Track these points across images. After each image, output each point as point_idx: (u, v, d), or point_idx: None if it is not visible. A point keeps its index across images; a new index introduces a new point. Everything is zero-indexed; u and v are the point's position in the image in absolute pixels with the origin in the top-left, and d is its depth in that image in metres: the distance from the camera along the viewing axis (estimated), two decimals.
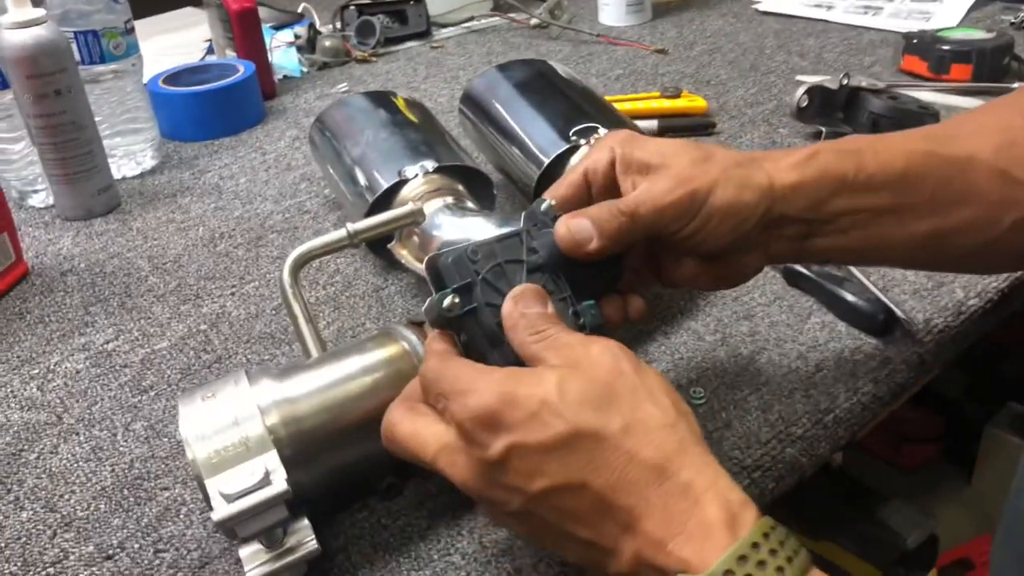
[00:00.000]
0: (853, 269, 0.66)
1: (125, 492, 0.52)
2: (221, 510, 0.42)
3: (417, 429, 0.42)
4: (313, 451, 0.46)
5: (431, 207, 0.66)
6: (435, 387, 0.41)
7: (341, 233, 0.54)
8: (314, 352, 0.51)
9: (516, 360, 0.44)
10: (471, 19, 1.38)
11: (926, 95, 0.93)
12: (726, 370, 0.59)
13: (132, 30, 0.90)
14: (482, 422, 0.38)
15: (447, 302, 0.44)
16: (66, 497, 0.52)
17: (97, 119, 0.86)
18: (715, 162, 0.47)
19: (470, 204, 0.69)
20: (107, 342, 0.65)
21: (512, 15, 1.35)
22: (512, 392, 0.38)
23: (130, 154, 0.93)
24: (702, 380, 0.58)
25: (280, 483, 0.43)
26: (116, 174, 0.91)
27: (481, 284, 0.45)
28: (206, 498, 0.43)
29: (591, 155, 0.50)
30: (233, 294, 0.70)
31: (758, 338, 0.62)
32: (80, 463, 0.54)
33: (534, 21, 1.30)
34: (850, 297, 0.63)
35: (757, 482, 0.52)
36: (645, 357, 0.61)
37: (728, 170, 0.47)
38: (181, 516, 0.50)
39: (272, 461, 0.44)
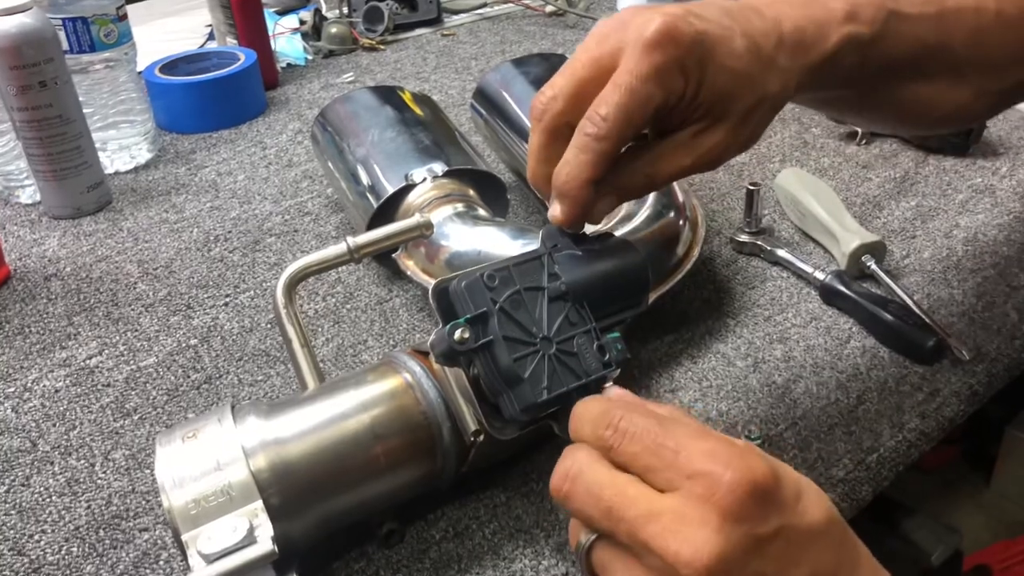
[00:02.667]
0: (896, 288, 0.60)
1: (101, 533, 0.47)
2: (200, 572, 0.37)
3: (618, 482, 0.33)
4: (304, 499, 0.42)
5: (440, 215, 0.61)
6: (658, 446, 0.33)
7: (341, 248, 0.49)
8: (310, 382, 0.47)
9: (533, 403, 0.39)
10: (484, 5, 1.32)
11: None
12: (759, 401, 0.54)
13: (125, 16, 0.85)
14: (755, 495, 0.31)
15: (459, 334, 0.39)
16: (36, 538, 0.47)
17: (88, 111, 0.81)
18: (775, 73, 0.43)
19: (481, 211, 0.64)
20: (90, 357, 0.61)
21: (527, 1, 1.29)
22: (777, 467, 0.33)
23: (124, 147, 0.88)
24: (733, 411, 0.54)
25: (266, 542, 0.38)
26: (109, 168, 0.87)
27: (498, 314, 0.40)
28: (183, 555, 0.38)
29: (643, 88, 0.40)
30: (226, 305, 0.66)
31: (793, 364, 0.57)
32: (54, 497, 0.50)
33: (550, 8, 1.24)
34: (894, 320, 0.58)
35: None
36: (671, 384, 0.56)
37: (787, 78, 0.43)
38: (160, 563, 0.46)
39: (258, 513, 0.40)
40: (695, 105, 0.42)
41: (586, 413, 0.37)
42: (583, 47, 0.43)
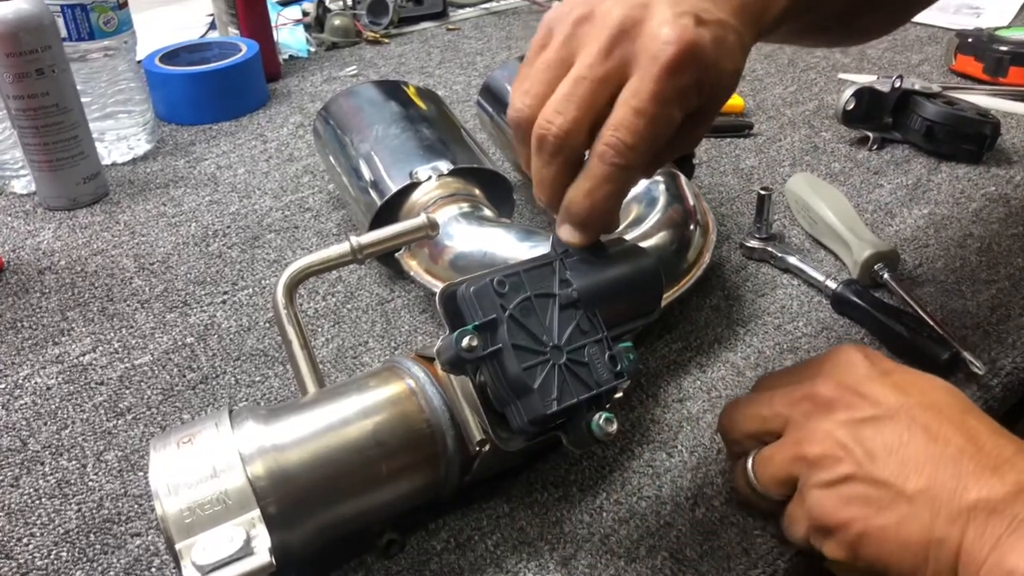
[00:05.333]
0: (909, 299, 0.59)
1: (91, 537, 0.46)
2: None
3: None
4: (303, 508, 0.40)
5: (445, 215, 0.60)
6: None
7: (344, 247, 0.47)
8: (310, 387, 0.45)
9: (542, 414, 0.38)
10: (490, 0, 1.30)
11: (982, 100, 0.86)
12: None
13: (125, 4, 0.83)
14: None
15: (467, 342, 0.38)
16: (24, 541, 0.46)
17: (85, 100, 0.80)
18: (745, 53, 0.42)
19: (487, 211, 0.62)
20: (83, 354, 0.59)
21: None
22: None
23: (121, 138, 0.86)
24: None
25: (263, 553, 0.37)
26: (106, 159, 0.85)
27: (508, 322, 0.38)
28: (177, 565, 0.37)
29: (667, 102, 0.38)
30: (224, 302, 0.64)
31: None
32: (43, 499, 0.48)
33: (556, 3, 1.23)
34: (907, 331, 0.57)
35: (804, 551, 0.46)
36: (679, 393, 0.54)
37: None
38: (152, 570, 0.44)
39: (255, 522, 0.38)
40: (696, 109, 0.40)
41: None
42: (555, 52, 0.40)
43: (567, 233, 0.41)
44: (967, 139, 0.77)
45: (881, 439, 0.39)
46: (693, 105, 0.39)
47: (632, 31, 0.38)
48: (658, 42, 0.37)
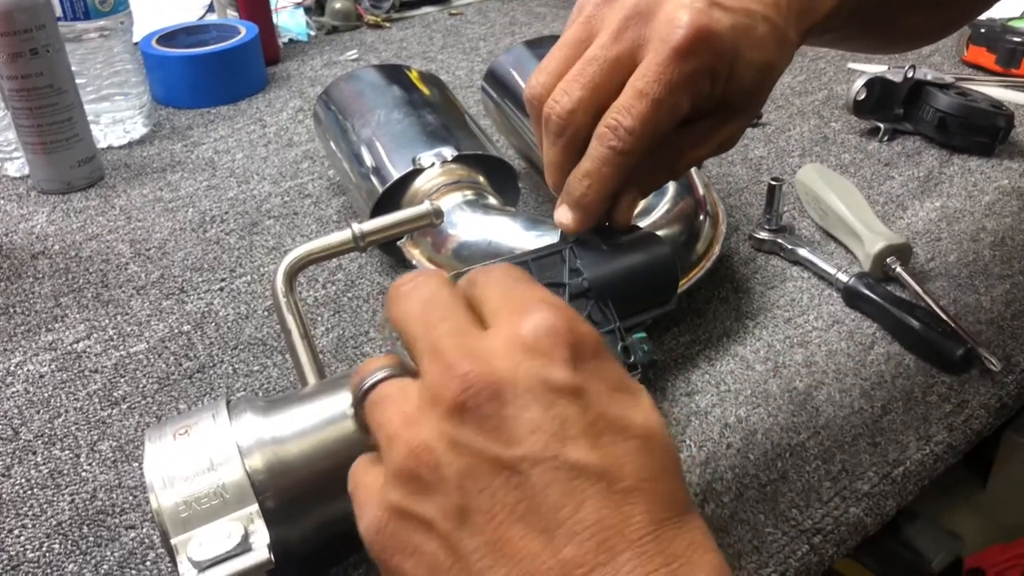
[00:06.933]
0: (922, 293, 0.58)
1: (84, 529, 0.45)
2: None
3: (454, 303, 0.31)
4: (302, 503, 0.39)
5: (448, 202, 0.59)
6: (505, 294, 0.31)
7: (346, 234, 0.46)
8: (310, 378, 0.44)
9: None
10: None
11: (995, 91, 0.85)
12: (779, 408, 0.52)
13: None
14: (566, 344, 0.28)
15: None
16: (15, 533, 0.44)
17: (80, 82, 0.78)
18: (787, 49, 0.41)
19: (492, 199, 0.61)
20: (77, 341, 0.58)
21: None
22: (614, 362, 0.29)
23: (117, 121, 0.85)
24: (752, 417, 0.51)
25: (262, 550, 0.36)
26: (101, 142, 0.83)
27: None
28: (172, 560, 0.36)
29: (668, 94, 0.37)
30: (222, 289, 0.63)
31: (815, 370, 0.54)
32: (35, 490, 0.47)
33: None
34: (921, 326, 0.55)
35: (816, 548, 0.45)
36: (687, 387, 0.53)
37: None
38: (147, 564, 0.43)
39: (253, 518, 0.37)
40: (717, 103, 0.40)
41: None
42: (574, 31, 0.40)
43: (562, 215, 0.41)
44: (980, 131, 0.76)
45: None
46: (705, 93, 0.38)
47: (647, 13, 0.38)
48: (671, 25, 0.37)
